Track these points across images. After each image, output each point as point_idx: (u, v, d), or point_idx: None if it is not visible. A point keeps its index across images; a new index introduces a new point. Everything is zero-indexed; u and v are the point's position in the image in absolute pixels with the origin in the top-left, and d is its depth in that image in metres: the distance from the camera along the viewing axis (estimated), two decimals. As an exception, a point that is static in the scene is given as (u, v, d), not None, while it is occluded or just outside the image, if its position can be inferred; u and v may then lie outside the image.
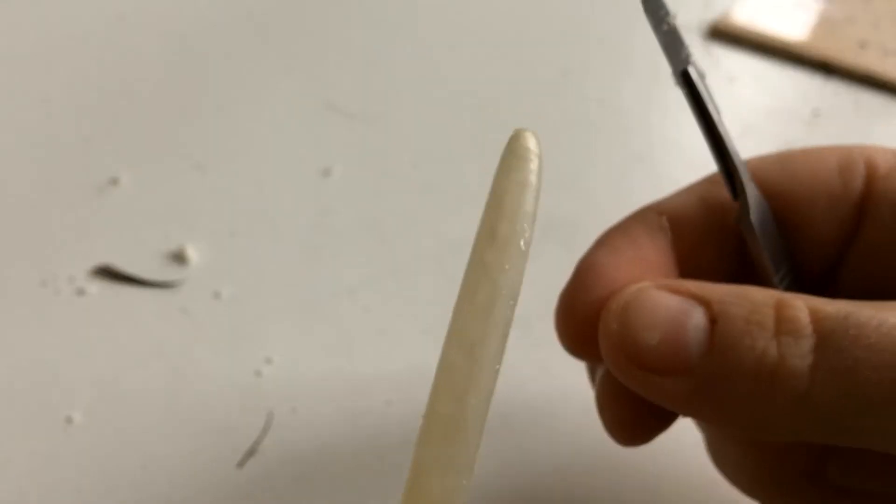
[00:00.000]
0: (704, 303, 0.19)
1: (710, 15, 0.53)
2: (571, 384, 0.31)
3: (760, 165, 0.22)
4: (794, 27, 0.52)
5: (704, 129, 0.21)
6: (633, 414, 0.21)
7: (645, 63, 0.49)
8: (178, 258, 0.38)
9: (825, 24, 0.52)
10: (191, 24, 0.53)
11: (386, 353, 0.34)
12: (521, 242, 0.16)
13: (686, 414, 0.20)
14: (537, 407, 0.32)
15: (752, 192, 0.21)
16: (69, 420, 0.31)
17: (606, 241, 0.22)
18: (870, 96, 0.48)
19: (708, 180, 0.23)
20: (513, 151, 0.16)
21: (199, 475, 0.29)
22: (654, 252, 0.22)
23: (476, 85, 0.48)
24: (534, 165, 0.16)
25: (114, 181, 0.42)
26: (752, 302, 0.18)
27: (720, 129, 0.21)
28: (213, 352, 0.34)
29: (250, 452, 0.30)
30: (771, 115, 0.47)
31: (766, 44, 0.51)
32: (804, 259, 0.22)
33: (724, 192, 0.22)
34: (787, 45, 0.50)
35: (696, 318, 0.18)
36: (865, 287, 0.22)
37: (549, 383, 0.32)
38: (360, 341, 0.34)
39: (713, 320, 0.18)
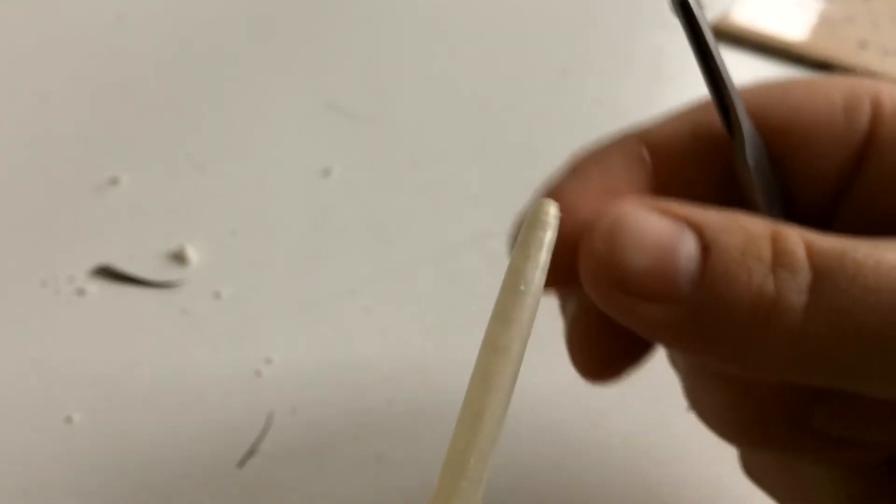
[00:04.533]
0: (696, 227, 0.18)
1: (710, 15, 0.53)
2: (571, 383, 0.31)
3: (761, 94, 0.21)
4: (794, 27, 0.52)
5: (701, 61, 0.20)
6: (605, 350, 0.20)
7: (645, 63, 0.49)
8: (178, 258, 0.38)
9: (825, 24, 0.52)
10: (190, 24, 0.53)
11: (386, 353, 0.34)
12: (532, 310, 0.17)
13: (671, 345, 0.19)
14: (537, 406, 0.32)
15: (747, 128, 0.20)
16: (69, 420, 0.31)
17: (577, 167, 0.21)
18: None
19: (701, 108, 0.22)
20: (534, 217, 0.17)
21: (199, 475, 0.29)
22: (628, 186, 0.20)
23: (476, 85, 0.48)
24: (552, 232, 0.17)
25: (114, 181, 0.42)
26: (748, 231, 0.17)
27: (717, 61, 0.20)
28: (213, 352, 0.34)
29: (250, 452, 0.30)
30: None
31: (766, 44, 0.51)
32: (798, 201, 0.21)
33: (717, 121, 0.21)
34: (786, 45, 0.50)
35: (688, 243, 0.17)
36: (866, 229, 0.21)
37: (549, 383, 0.32)
38: (360, 341, 0.34)
39: (706, 247, 0.17)
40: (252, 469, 0.30)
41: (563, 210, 0.18)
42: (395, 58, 0.51)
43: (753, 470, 0.25)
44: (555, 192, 0.20)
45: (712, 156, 0.21)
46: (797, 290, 0.17)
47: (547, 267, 0.17)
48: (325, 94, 0.48)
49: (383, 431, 0.31)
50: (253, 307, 0.36)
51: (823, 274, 0.17)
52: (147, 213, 0.40)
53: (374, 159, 0.43)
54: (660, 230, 0.17)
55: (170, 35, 0.52)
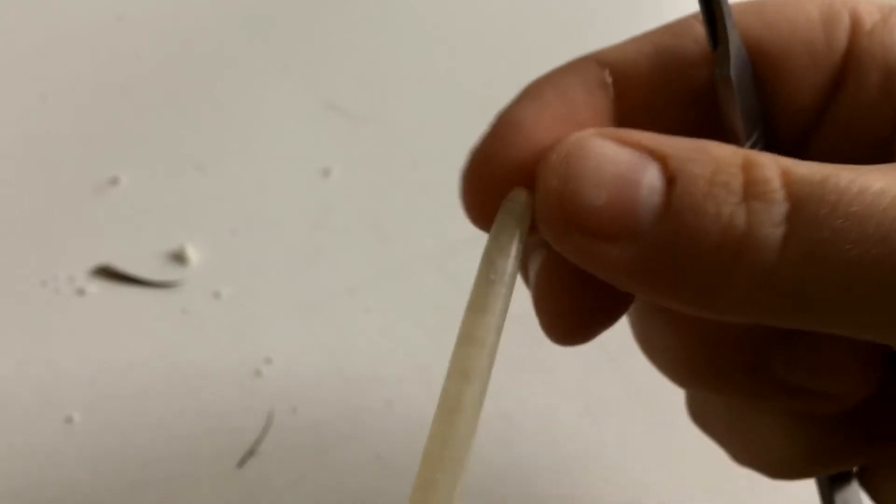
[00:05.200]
0: (659, 157, 0.16)
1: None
2: (572, 383, 0.31)
3: (734, 14, 0.19)
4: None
5: None
6: (573, 307, 0.19)
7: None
8: (178, 258, 0.38)
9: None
10: (190, 24, 0.53)
11: (386, 353, 0.34)
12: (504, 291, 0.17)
13: (630, 288, 0.17)
14: (537, 406, 0.32)
15: (735, 41, 0.18)
16: (69, 420, 0.31)
17: (533, 92, 0.19)
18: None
19: (667, 29, 0.20)
20: (508, 204, 0.17)
21: (199, 475, 0.29)
22: (589, 112, 0.18)
23: (476, 85, 0.48)
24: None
25: (114, 181, 0.42)
26: (716, 160, 0.16)
27: None
28: (213, 352, 0.34)
29: (250, 452, 0.30)
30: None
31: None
32: (777, 123, 0.20)
33: (685, 44, 0.19)
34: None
35: (651, 174, 0.16)
36: (842, 156, 0.19)
37: (549, 383, 0.32)
38: (360, 341, 0.34)
39: (670, 179, 0.16)
40: (252, 469, 0.30)
41: (520, 142, 0.17)
42: (395, 58, 0.51)
43: (700, 414, 0.24)
44: (508, 121, 0.18)
45: (680, 80, 0.19)
46: (771, 223, 0.15)
47: (520, 256, 0.17)
48: (324, 93, 0.48)
49: (383, 432, 0.31)
50: (253, 307, 0.36)
51: (801, 203, 0.15)
52: (147, 213, 0.40)
53: (374, 159, 0.43)
54: (619, 161, 0.16)
55: (170, 35, 0.52)
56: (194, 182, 0.42)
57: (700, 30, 0.19)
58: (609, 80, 0.19)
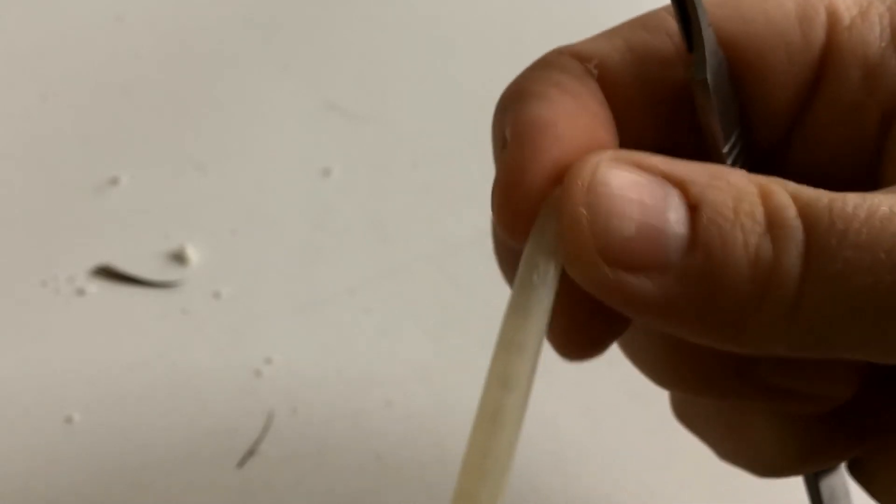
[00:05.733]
0: (678, 183, 0.15)
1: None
2: (572, 384, 0.31)
3: (709, 6, 0.18)
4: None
5: None
6: (584, 323, 0.18)
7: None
8: (178, 258, 0.38)
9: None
10: (191, 24, 0.53)
11: (386, 353, 0.34)
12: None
13: (657, 322, 0.16)
14: (537, 407, 0.32)
15: (710, 42, 0.18)
16: (69, 420, 0.31)
17: (538, 93, 0.17)
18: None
19: (637, 24, 0.19)
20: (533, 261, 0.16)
21: (199, 475, 0.29)
22: (595, 103, 0.18)
23: (476, 85, 0.48)
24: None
25: (114, 181, 0.42)
26: (734, 186, 0.15)
27: None
28: (213, 352, 0.34)
29: (250, 452, 0.30)
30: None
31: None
32: (755, 123, 0.19)
33: (659, 40, 0.19)
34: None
35: (674, 202, 0.15)
36: (823, 157, 0.19)
37: (548, 384, 0.32)
38: (360, 341, 0.34)
39: (693, 207, 0.15)
40: (252, 469, 0.30)
41: (557, 145, 0.16)
42: (395, 58, 0.51)
43: (685, 414, 0.23)
44: (534, 124, 0.17)
45: (655, 77, 0.19)
46: (794, 253, 0.15)
47: (547, 323, 0.16)
48: (324, 94, 0.48)
49: (383, 432, 0.31)
50: (253, 307, 0.36)
51: (813, 231, 0.15)
52: (147, 213, 0.40)
53: (374, 159, 0.43)
54: (642, 190, 0.15)
55: (170, 35, 0.52)
56: (194, 182, 0.42)
57: (673, 24, 0.18)
58: (595, 72, 0.18)
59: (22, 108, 0.46)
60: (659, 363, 0.21)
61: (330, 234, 0.39)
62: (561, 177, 0.16)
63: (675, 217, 0.15)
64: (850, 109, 0.19)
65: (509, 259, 0.20)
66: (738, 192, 0.15)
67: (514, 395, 0.15)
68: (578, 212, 0.15)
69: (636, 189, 0.15)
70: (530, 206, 0.17)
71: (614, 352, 0.32)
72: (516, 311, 0.15)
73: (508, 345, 0.15)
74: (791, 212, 0.15)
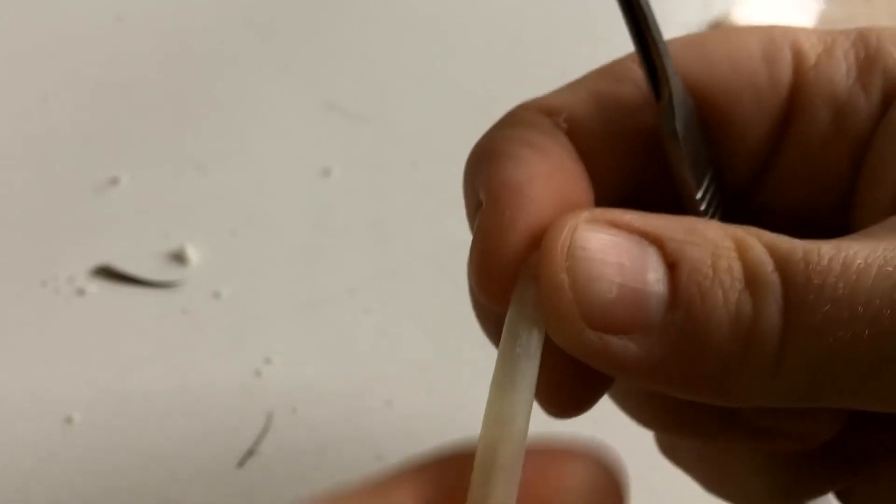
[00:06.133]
0: (654, 240, 0.15)
1: (710, 15, 0.53)
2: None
3: (673, 51, 0.18)
4: (793, 27, 0.52)
5: (623, 6, 0.17)
6: (570, 383, 0.18)
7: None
8: (178, 258, 0.38)
9: (825, 24, 0.52)
10: (190, 25, 0.53)
11: (386, 353, 0.34)
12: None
13: (642, 382, 0.16)
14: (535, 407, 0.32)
15: (677, 89, 0.17)
16: (69, 420, 0.31)
17: (509, 153, 0.17)
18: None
19: (602, 73, 0.19)
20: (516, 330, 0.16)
21: (199, 475, 0.29)
22: (568, 159, 0.17)
23: (476, 85, 0.48)
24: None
25: (114, 181, 0.42)
26: (712, 242, 0.15)
27: (644, 8, 0.17)
28: (213, 352, 0.34)
29: (250, 452, 0.30)
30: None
31: (765, 44, 0.51)
32: (726, 166, 0.19)
33: (625, 89, 0.18)
34: (786, 45, 0.50)
35: (653, 262, 0.15)
36: (796, 196, 0.19)
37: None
38: (360, 341, 0.34)
39: (671, 264, 0.15)
40: (252, 469, 0.30)
41: (524, 205, 0.16)
42: (395, 58, 0.51)
43: (671, 451, 0.23)
44: (508, 187, 0.17)
45: (622, 126, 0.19)
46: (775, 308, 0.15)
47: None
48: (324, 93, 0.48)
49: (383, 432, 0.31)
50: (253, 307, 0.36)
51: (790, 285, 0.15)
52: (147, 213, 0.40)
53: (374, 159, 0.43)
54: (620, 250, 0.15)
55: (170, 35, 0.52)
56: (194, 182, 0.42)
57: (639, 72, 0.18)
58: (564, 126, 0.18)
59: (22, 108, 0.46)
60: (643, 409, 0.21)
61: (330, 234, 0.39)
62: (538, 240, 0.16)
63: (654, 277, 0.15)
64: (820, 148, 0.19)
65: (490, 319, 0.20)
66: (715, 248, 0.15)
67: (504, 470, 0.14)
68: (559, 278, 0.15)
69: (614, 251, 0.15)
70: (509, 273, 0.16)
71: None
72: (502, 385, 0.15)
73: (497, 418, 0.15)
74: (768, 266, 0.15)
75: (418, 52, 0.51)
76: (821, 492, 0.21)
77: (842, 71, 0.18)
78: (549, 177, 0.17)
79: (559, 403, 0.18)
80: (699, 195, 0.18)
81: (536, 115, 0.18)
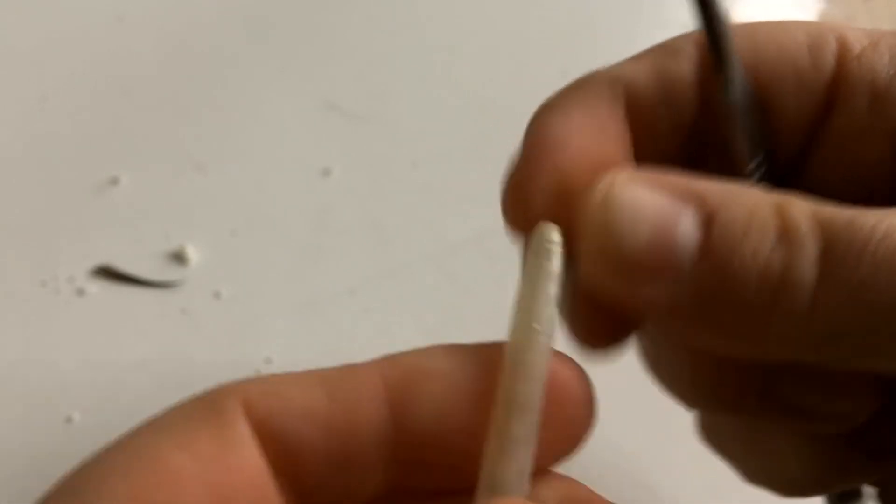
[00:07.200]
0: (695, 199, 0.17)
1: (710, 15, 0.53)
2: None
3: None
4: (793, 27, 0.52)
5: None
6: (601, 321, 0.19)
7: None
8: (178, 258, 0.38)
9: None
10: (191, 25, 0.53)
11: (386, 353, 0.34)
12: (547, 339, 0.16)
13: (666, 326, 0.17)
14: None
15: (737, 66, 0.19)
16: (69, 420, 0.31)
17: (560, 109, 0.19)
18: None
19: (660, 49, 0.20)
20: (538, 244, 0.17)
21: (199, 475, 0.29)
22: (614, 124, 0.19)
23: (476, 85, 0.48)
24: (556, 258, 0.17)
25: (114, 181, 0.42)
26: (750, 202, 0.16)
27: None
28: (213, 352, 0.34)
29: (250, 452, 0.30)
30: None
31: (765, 44, 0.51)
32: (772, 145, 0.20)
33: (682, 65, 0.20)
34: (786, 45, 0.50)
35: (689, 215, 0.16)
36: (839, 177, 0.20)
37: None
38: (360, 341, 0.34)
39: (707, 220, 0.16)
40: (252, 469, 0.30)
41: (556, 158, 0.18)
42: (395, 57, 0.51)
43: (710, 434, 0.24)
44: (546, 135, 0.19)
45: (678, 101, 0.20)
46: (807, 266, 0.16)
47: (557, 301, 0.16)
48: (324, 93, 0.48)
49: (383, 431, 0.31)
50: (253, 307, 0.36)
51: (831, 246, 0.16)
52: (147, 213, 0.40)
53: (374, 159, 0.43)
54: (656, 201, 0.16)
55: (170, 35, 0.52)
56: (194, 182, 0.42)
57: (692, 50, 0.19)
58: (622, 93, 0.19)
59: (22, 108, 0.46)
60: (684, 382, 0.21)
61: (330, 234, 0.39)
62: (562, 186, 0.18)
63: (687, 228, 0.16)
64: (860, 133, 0.19)
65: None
66: (752, 206, 0.16)
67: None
68: (592, 228, 0.17)
69: (650, 200, 0.16)
70: (528, 216, 0.18)
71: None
72: (516, 365, 0.16)
73: (510, 403, 0.15)
74: (805, 225, 0.16)
75: (418, 52, 0.51)
76: (857, 478, 0.22)
77: (884, 62, 0.19)
78: (588, 134, 0.18)
79: (593, 337, 0.19)
80: (751, 167, 0.19)
81: (599, 81, 0.20)
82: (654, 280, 0.16)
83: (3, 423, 0.31)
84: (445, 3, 0.55)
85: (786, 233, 0.16)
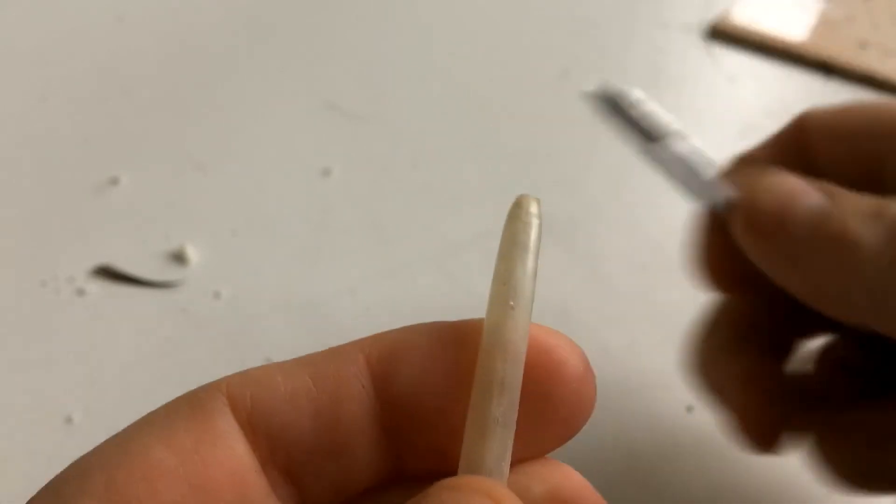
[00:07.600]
0: (832, 195, 0.22)
1: (710, 15, 0.53)
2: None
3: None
4: (794, 27, 0.52)
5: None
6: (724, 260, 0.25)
7: (645, 63, 0.49)
8: (178, 258, 0.38)
9: (825, 24, 0.52)
10: (191, 25, 0.53)
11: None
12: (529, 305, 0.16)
13: (776, 276, 0.22)
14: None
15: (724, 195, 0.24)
16: (69, 420, 0.31)
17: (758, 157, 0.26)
18: (870, 96, 0.48)
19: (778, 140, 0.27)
20: (517, 217, 0.16)
21: (199, 475, 0.29)
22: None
23: (476, 85, 0.48)
24: (535, 231, 0.16)
25: (114, 181, 0.42)
26: (866, 201, 0.21)
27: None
28: (213, 352, 0.34)
29: (250, 452, 0.30)
30: (771, 115, 0.47)
31: (766, 44, 0.51)
32: None
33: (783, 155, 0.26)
34: (787, 45, 0.50)
35: (812, 195, 0.22)
36: None
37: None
38: (360, 341, 0.34)
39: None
40: (252, 469, 0.30)
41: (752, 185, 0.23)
42: (395, 58, 0.51)
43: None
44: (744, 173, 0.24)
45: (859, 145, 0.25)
46: (882, 237, 0.20)
47: (535, 274, 0.16)
48: (324, 93, 0.48)
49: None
50: (253, 307, 0.36)
51: None
52: (147, 213, 0.40)
53: (374, 159, 0.43)
54: (788, 182, 0.22)
55: (170, 35, 0.52)
56: (194, 182, 0.42)
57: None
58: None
59: (22, 108, 0.46)
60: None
61: (330, 234, 0.39)
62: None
63: (807, 201, 0.22)
64: None
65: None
66: (870, 201, 0.21)
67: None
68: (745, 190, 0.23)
69: (786, 181, 0.22)
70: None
71: (616, 349, 0.32)
72: (494, 339, 0.15)
73: (489, 381, 0.15)
74: (892, 211, 0.21)
75: (418, 52, 0.51)
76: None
77: None
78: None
79: (711, 269, 0.25)
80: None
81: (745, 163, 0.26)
82: (770, 235, 0.22)
83: (3, 423, 0.31)
84: (445, 4, 0.55)
85: (879, 213, 0.21)
